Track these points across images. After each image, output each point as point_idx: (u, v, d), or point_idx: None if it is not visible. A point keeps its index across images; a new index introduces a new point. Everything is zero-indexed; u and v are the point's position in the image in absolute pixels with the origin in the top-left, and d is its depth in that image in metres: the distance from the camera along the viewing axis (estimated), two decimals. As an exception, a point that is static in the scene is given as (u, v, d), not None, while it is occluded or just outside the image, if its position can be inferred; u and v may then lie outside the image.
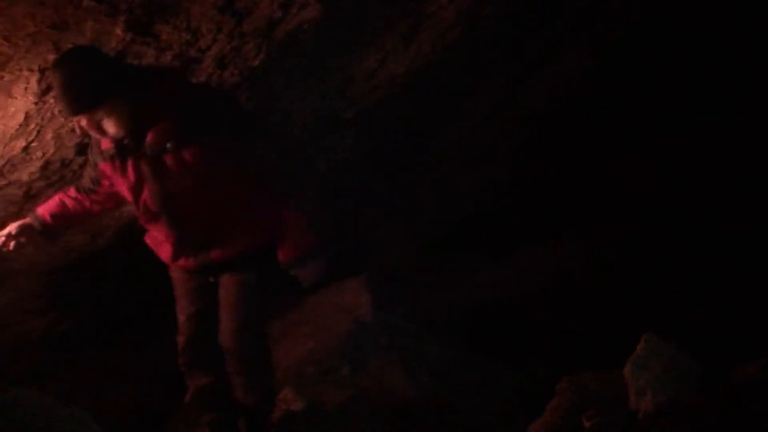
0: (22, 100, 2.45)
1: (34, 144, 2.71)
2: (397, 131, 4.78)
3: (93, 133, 2.37)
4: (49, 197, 2.80)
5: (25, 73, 2.33)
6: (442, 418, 3.41)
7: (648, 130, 6.18)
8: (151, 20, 2.45)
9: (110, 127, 2.29)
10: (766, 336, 3.53)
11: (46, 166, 2.89)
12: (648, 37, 5.69)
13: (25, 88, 2.40)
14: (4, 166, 2.76)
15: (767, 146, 5.48)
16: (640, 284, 5.08)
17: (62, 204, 2.69)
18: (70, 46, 2.30)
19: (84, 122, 2.29)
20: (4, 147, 2.65)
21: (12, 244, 2.66)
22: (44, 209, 2.70)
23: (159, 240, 2.69)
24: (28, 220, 2.70)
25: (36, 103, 2.48)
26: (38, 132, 2.65)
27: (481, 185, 6.45)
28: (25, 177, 2.89)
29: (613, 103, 6.12)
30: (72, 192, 2.71)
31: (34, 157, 2.80)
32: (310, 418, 3.36)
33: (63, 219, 2.70)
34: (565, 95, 5.98)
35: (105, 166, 2.52)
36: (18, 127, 2.58)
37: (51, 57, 2.30)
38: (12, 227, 2.67)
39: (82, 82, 2.18)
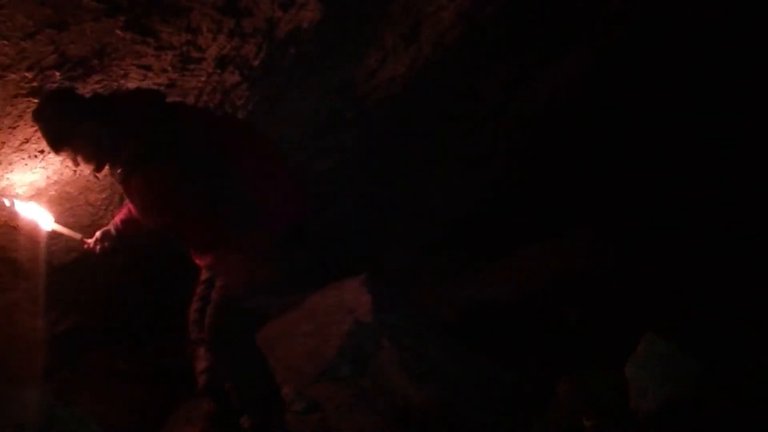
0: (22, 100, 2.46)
1: (33, 144, 2.72)
2: (397, 131, 4.78)
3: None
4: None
5: (25, 73, 2.34)
6: (442, 418, 3.40)
7: (648, 131, 6.18)
8: (151, 20, 2.45)
9: (81, 162, 2.51)
10: (766, 336, 3.53)
11: (45, 166, 2.89)
12: (648, 37, 5.69)
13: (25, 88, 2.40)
14: (3, 166, 2.76)
15: (767, 146, 5.48)
16: (640, 284, 5.06)
17: (130, 211, 2.90)
18: (71, 46, 2.31)
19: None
20: (3, 147, 2.65)
21: (98, 247, 2.95)
22: (119, 216, 2.97)
23: None
24: (108, 226, 2.98)
25: (36, 103, 2.48)
26: (38, 131, 2.65)
27: (481, 185, 6.45)
28: (25, 177, 2.89)
29: (612, 103, 6.12)
30: None
31: (33, 157, 2.80)
32: (310, 418, 3.36)
33: (132, 224, 2.92)
34: (564, 96, 5.98)
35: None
36: (17, 126, 2.58)
37: (51, 57, 2.31)
38: (98, 233, 2.96)
39: (45, 129, 2.44)
